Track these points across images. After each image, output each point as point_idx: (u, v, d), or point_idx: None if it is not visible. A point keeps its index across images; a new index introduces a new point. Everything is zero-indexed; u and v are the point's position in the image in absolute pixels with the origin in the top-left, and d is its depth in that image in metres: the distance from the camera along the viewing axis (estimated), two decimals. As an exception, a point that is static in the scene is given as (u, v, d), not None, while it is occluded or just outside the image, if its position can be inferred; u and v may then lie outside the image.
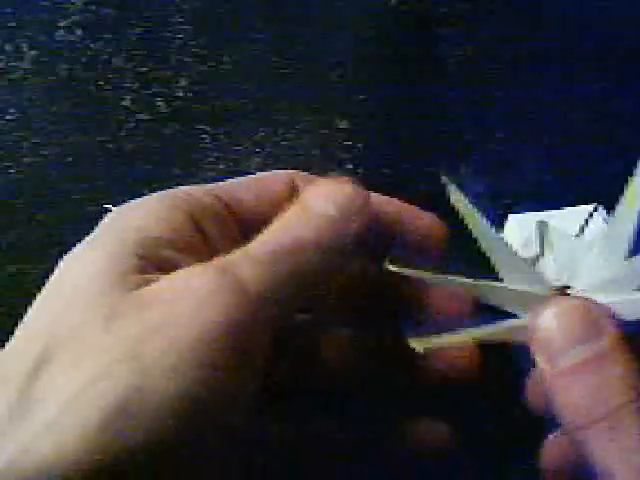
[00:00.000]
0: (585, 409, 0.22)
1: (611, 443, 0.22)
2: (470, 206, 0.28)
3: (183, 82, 0.49)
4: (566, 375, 0.23)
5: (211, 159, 0.47)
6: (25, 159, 0.47)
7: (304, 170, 0.48)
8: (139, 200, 0.30)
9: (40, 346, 0.24)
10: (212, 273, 0.25)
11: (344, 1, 0.50)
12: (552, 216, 0.31)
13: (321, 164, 0.47)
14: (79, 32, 0.50)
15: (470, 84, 0.48)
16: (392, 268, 0.29)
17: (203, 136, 0.48)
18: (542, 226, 0.28)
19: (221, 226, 0.30)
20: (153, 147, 0.48)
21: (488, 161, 0.43)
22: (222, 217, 0.30)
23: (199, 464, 0.24)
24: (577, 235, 0.29)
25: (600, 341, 0.23)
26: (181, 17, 0.50)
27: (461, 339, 0.27)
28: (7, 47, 0.50)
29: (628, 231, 0.27)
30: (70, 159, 0.47)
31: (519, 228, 0.31)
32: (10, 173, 0.47)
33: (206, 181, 0.48)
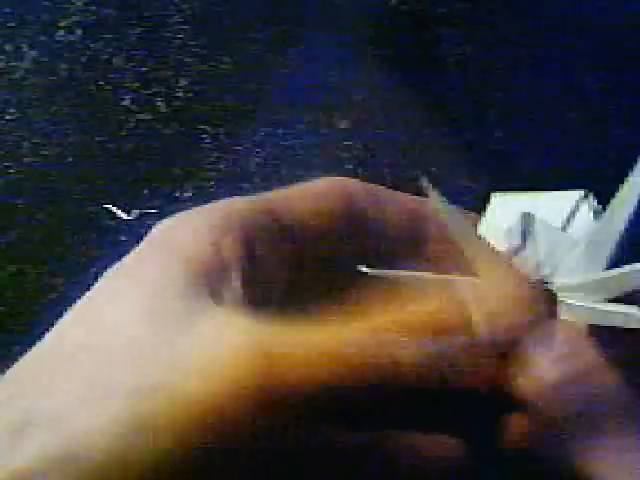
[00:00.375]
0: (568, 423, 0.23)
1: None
2: (452, 208, 0.29)
3: (183, 82, 0.49)
4: (551, 391, 0.23)
5: (211, 159, 0.47)
6: (25, 159, 0.47)
7: (304, 170, 0.48)
8: (191, 214, 0.29)
9: (57, 367, 0.24)
10: (244, 347, 0.24)
11: (344, 1, 0.50)
12: (537, 200, 0.30)
13: (321, 164, 0.47)
14: (79, 32, 0.50)
15: (470, 84, 0.48)
16: (365, 269, 0.29)
17: (203, 136, 0.48)
18: (527, 217, 0.28)
19: (273, 248, 0.29)
20: (153, 147, 0.48)
21: (488, 161, 0.43)
22: (276, 238, 0.29)
23: None
24: (563, 227, 0.29)
25: (579, 359, 0.23)
26: (181, 17, 0.50)
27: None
28: (7, 47, 0.50)
29: (614, 236, 0.27)
30: (70, 159, 0.47)
31: (502, 212, 0.30)
32: (10, 173, 0.47)
33: (206, 181, 0.48)
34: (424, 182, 0.29)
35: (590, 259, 0.26)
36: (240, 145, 0.47)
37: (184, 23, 0.50)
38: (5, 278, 0.44)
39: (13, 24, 0.50)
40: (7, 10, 0.50)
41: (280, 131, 0.47)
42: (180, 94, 0.48)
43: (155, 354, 0.25)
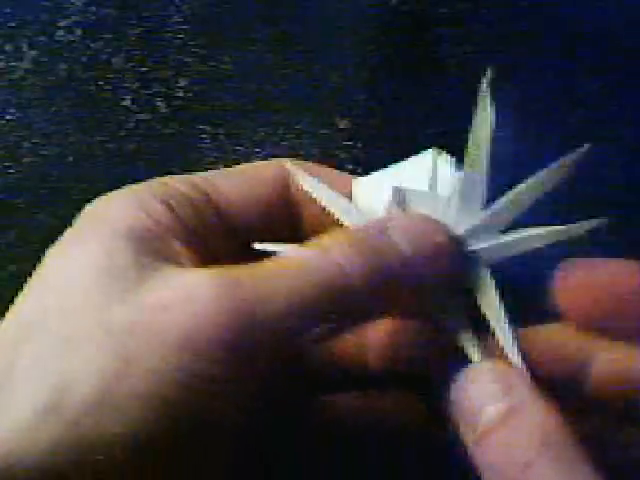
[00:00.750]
0: (500, 467, 0.23)
1: None
2: (320, 184, 0.29)
3: (183, 82, 0.49)
4: (484, 436, 0.23)
5: (211, 159, 0.47)
6: (25, 159, 0.47)
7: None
8: (116, 192, 0.30)
9: (26, 332, 0.24)
10: (214, 282, 0.24)
11: (344, 1, 0.50)
12: (398, 172, 0.31)
13: (321, 164, 0.47)
14: (79, 32, 0.50)
15: (470, 84, 0.48)
16: (258, 246, 0.29)
17: (203, 136, 0.48)
18: (396, 190, 0.28)
19: (199, 215, 0.29)
20: (153, 147, 0.48)
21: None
22: (199, 205, 0.30)
23: (187, 463, 0.24)
24: (430, 188, 0.30)
25: (511, 397, 0.23)
26: (181, 17, 0.50)
27: None
28: (7, 47, 0.50)
29: (481, 181, 0.28)
30: (70, 159, 0.47)
31: (369, 192, 0.31)
32: (10, 173, 0.47)
33: (206, 181, 0.48)
34: (291, 167, 0.30)
35: (466, 209, 0.28)
36: (240, 145, 0.47)
37: (184, 23, 0.50)
38: (5, 278, 0.44)
39: (13, 24, 0.50)
40: (7, 10, 0.50)
41: (280, 131, 0.47)
42: (180, 94, 0.48)
43: (116, 299, 0.25)
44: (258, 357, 0.24)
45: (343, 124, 0.48)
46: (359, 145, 0.47)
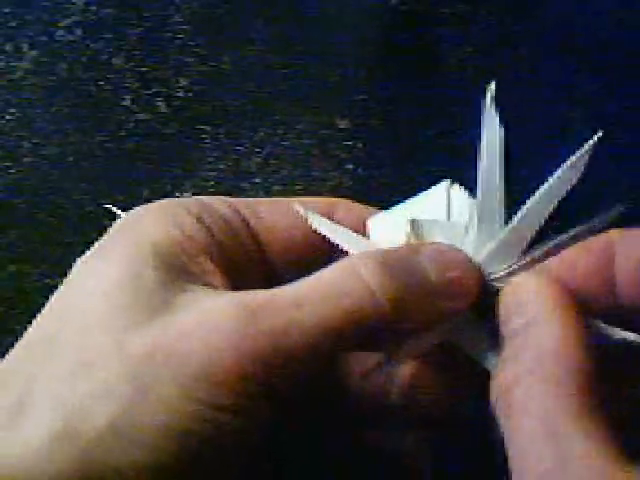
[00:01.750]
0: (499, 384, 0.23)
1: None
2: (335, 226, 0.29)
3: (183, 82, 0.49)
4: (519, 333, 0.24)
5: (211, 159, 0.47)
6: (25, 159, 0.47)
7: (304, 170, 0.48)
8: (151, 205, 0.30)
9: (45, 350, 0.24)
10: (234, 313, 0.24)
11: (344, 1, 0.50)
12: (412, 206, 0.31)
13: (321, 164, 0.47)
14: (79, 32, 0.50)
15: (470, 84, 0.48)
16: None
17: (203, 136, 0.48)
18: (414, 223, 0.28)
19: (235, 237, 0.29)
20: (153, 147, 0.48)
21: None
22: (237, 228, 0.29)
23: None
24: (448, 219, 0.29)
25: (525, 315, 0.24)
26: (181, 17, 0.50)
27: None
28: (7, 47, 0.50)
29: (498, 202, 0.28)
30: (70, 159, 0.47)
31: (385, 228, 0.30)
32: (10, 173, 0.47)
33: (206, 181, 0.48)
34: (300, 210, 0.30)
35: (486, 233, 0.27)
36: (240, 145, 0.47)
37: (184, 23, 0.50)
38: (5, 278, 0.44)
39: (13, 24, 0.50)
40: (7, 10, 0.50)
41: (280, 131, 0.47)
42: (180, 94, 0.48)
43: (137, 322, 0.25)
44: (278, 388, 0.24)
45: (343, 124, 0.48)
46: (359, 145, 0.47)
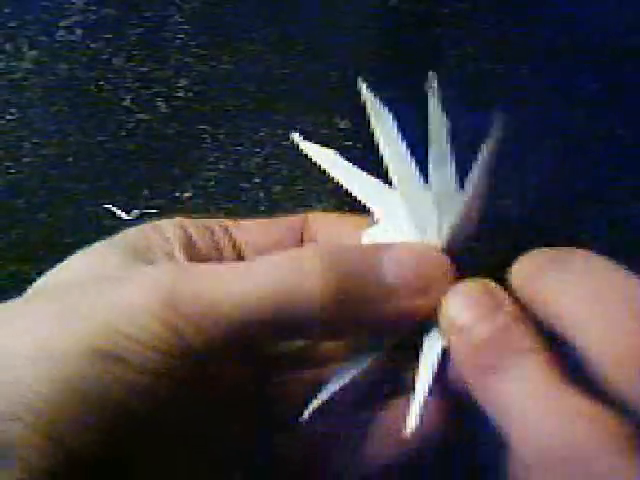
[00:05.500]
0: (491, 360, 0.23)
1: (513, 386, 0.22)
2: (382, 109, 0.30)
3: (183, 82, 0.49)
4: (475, 348, 0.24)
5: (211, 159, 0.47)
6: (25, 159, 0.47)
7: (304, 170, 0.48)
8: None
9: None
10: (172, 268, 0.25)
11: (344, 1, 0.50)
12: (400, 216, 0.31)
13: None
14: (79, 32, 0.50)
15: (470, 84, 0.48)
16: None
17: (203, 136, 0.48)
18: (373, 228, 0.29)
19: (211, 239, 0.30)
20: (153, 147, 0.48)
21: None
22: (214, 231, 0.30)
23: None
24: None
25: (500, 315, 0.24)
26: (181, 17, 0.50)
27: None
28: (7, 47, 0.50)
29: (450, 170, 0.28)
30: (70, 159, 0.47)
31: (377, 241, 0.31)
32: (10, 173, 0.47)
33: (206, 181, 0.48)
34: (360, 84, 0.30)
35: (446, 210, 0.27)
36: (240, 145, 0.47)
37: (184, 23, 0.50)
38: (5, 278, 0.44)
39: (13, 24, 0.50)
40: (7, 10, 0.50)
41: (280, 131, 0.47)
42: (180, 94, 0.48)
43: (93, 296, 0.26)
44: (198, 355, 0.24)
45: (343, 124, 0.48)
46: (359, 145, 0.47)
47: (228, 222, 0.32)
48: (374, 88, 0.49)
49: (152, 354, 0.23)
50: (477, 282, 0.26)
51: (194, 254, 0.29)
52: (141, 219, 0.44)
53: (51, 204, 0.46)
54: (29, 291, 0.28)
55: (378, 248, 0.27)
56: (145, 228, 0.30)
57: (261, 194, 0.46)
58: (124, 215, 0.41)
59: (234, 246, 0.31)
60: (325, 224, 0.32)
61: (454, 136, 0.28)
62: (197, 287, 0.24)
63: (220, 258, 0.30)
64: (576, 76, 0.48)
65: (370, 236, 0.31)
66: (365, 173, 0.30)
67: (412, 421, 0.25)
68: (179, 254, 0.28)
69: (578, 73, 0.48)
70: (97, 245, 0.29)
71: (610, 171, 0.45)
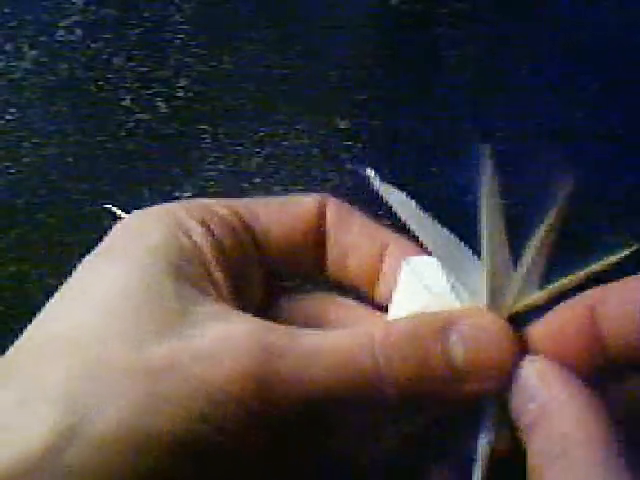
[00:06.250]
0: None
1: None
2: (402, 196, 0.29)
3: (183, 82, 0.49)
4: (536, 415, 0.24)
5: (211, 159, 0.47)
6: (25, 159, 0.47)
7: (304, 170, 0.48)
8: (151, 209, 0.30)
9: (59, 345, 0.24)
10: (253, 349, 0.24)
11: (344, 1, 0.50)
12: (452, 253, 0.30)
13: (321, 164, 0.47)
14: (79, 32, 0.50)
15: (470, 84, 0.48)
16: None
17: (203, 136, 0.48)
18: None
19: (237, 240, 0.29)
20: (153, 147, 0.48)
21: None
22: (238, 231, 0.30)
23: None
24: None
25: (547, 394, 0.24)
26: (181, 17, 0.50)
27: None
28: (7, 47, 0.50)
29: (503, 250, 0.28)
30: (70, 159, 0.47)
31: (420, 272, 0.30)
32: (10, 173, 0.47)
33: (206, 181, 0.48)
34: (369, 173, 0.29)
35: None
36: (240, 145, 0.47)
37: (184, 23, 0.50)
38: (5, 278, 0.44)
39: (13, 24, 0.50)
40: (7, 10, 0.50)
41: (280, 131, 0.47)
42: (180, 94, 0.48)
43: (156, 331, 0.25)
44: (272, 425, 0.24)
45: (343, 124, 0.48)
46: (359, 145, 0.47)
47: (243, 210, 0.31)
48: (374, 88, 0.49)
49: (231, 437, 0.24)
50: (551, 363, 0.25)
51: (223, 259, 0.28)
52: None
53: (51, 204, 0.46)
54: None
55: (445, 322, 0.26)
56: (170, 226, 0.28)
57: (261, 194, 0.46)
58: (124, 215, 0.41)
59: (253, 239, 0.31)
60: (340, 220, 0.32)
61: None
62: (282, 371, 0.24)
63: (243, 256, 0.30)
64: (576, 76, 0.48)
65: (411, 264, 0.30)
66: (437, 223, 0.29)
67: None
68: (213, 264, 0.28)
69: (578, 73, 0.48)
70: (135, 251, 0.27)
71: (610, 171, 0.45)
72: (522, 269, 0.27)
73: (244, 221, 0.31)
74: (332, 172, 0.47)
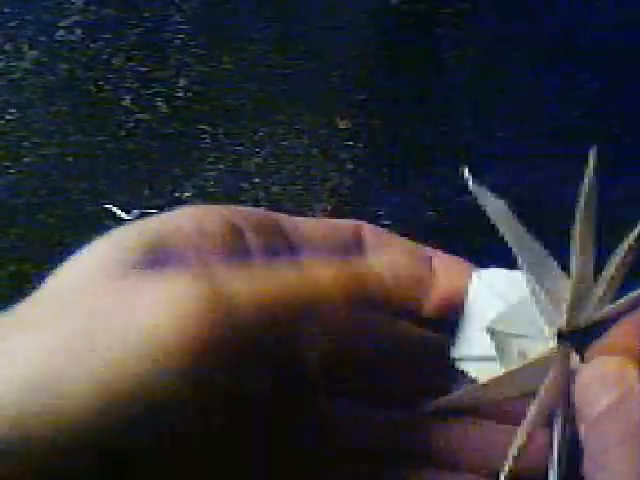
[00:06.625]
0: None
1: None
2: (498, 201, 0.29)
3: (183, 82, 0.49)
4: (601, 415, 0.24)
5: (211, 159, 0.47)
6: (25, 159, 0.47)
7: (304, 170, 0.48)
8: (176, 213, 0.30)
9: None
10: (196, 283, 0.24)
11: (344, 1, 0.50)
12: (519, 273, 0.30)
13: (321, 164, 0.47)
14: (79, 32, 0.50)
15: (470, 84, 0.48)
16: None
17: (203, 136, 0.48)
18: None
19: (267, 238, 0.28)
20: (153, 147, 0.48)
21: (488, 162, 0.43)
22: (269, 229, 0.29)
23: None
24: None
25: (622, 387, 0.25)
26: (181, 17, 0.50)
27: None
28: (7, 47, 0.50)
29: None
30: (70, 159, 0.47)
31: (490, 285, 0.30)
32: (10, 173, 0.47)
33: (206, 181, 0.48)
34: (466, 175, 0.29)
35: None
36: (240, 145, 0.47)
37: (184, 23, 0.50)
38: (5, 278, 0.44)
39: (13, 24, 0.50)
40: (7, 10, 0.50)
41: (280, 131, 0.47)
42: (180, 94, 0.48)
43: (110, 305, 0.25)
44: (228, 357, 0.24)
45: (343, 124, 0.48)
46: (359, 145, 0.47)
47: (280, 219, 0.30)
48: (374, 88, 0.49)
49: None
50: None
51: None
52: (141, 219, 0.44)
53: (51, 204, 0.46)
54: None
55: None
56: (193, 238, 0.28)
57: (261, 194, 0.46)
58: (124, 215, 0.41)
59: (291, 245, 0.30)
60: (379, 245, 0.31)
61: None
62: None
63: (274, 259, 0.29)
64: (576, 76, 0.48)
65: (481, 276, 0.30)
66: (532, 237, 0.29)
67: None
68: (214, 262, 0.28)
69: (578, 73, 0.48)
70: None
71: (609, 171, 0.45)
72: (603, 283, 0.27)
73: (282, 228, 0.30)
74: (332, 172, 0.47)
